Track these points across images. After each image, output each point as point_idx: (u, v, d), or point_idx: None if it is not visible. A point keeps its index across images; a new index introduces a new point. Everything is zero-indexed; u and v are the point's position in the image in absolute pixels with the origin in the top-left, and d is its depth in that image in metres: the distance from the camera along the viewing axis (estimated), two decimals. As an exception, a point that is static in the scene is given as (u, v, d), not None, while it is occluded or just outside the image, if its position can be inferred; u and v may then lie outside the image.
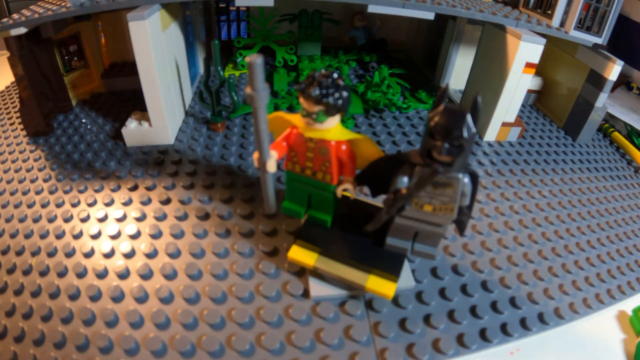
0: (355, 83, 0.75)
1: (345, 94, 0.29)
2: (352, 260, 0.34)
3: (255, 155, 0.30)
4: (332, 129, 0.31)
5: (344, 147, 0.32)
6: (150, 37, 0.46)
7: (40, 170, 0.50)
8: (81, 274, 0.36)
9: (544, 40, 0.54)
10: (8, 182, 0.48)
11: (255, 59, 0.23)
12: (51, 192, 0.46)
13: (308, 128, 0.31)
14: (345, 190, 0.34)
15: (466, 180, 0.28)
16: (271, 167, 0.30)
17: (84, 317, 0.32)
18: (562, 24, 0.59)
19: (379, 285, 0.32)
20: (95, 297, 0.34)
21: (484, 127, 0.61)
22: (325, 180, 0.34)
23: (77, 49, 0.65)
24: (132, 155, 0.52)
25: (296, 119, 0.32)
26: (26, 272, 0.37)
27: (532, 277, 0.39)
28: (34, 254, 0.38)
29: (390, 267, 0.34)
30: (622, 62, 0.58)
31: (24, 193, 0.46)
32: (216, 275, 0.36)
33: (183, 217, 0.42)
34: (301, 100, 0.30)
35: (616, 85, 0.86)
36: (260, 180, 0.32)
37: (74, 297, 0.34)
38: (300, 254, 0.35)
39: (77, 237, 0.40)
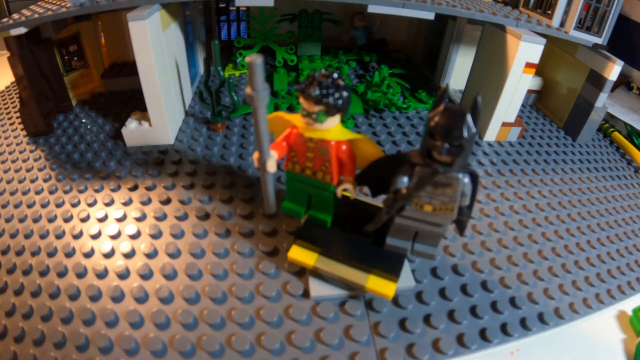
0: (355, 83, 0.75)
1: (345, 94, 0.29)
2: (352, 260, 0.34)
3: (255, 155, 0.30)
4: (332, 129, 0.31)
5: (344, 147, 0.32)
6: (150, 37, 0.46)
7: (40, 170, 0.50)
8: (81, 274, 0.36)
9: (544, 40, 0.54)
10: (8, 182, 0.48)
11: (255, 59, 0.23)
12: (51, 192, 0.46)
13: (308, 128, 0.31)
14: (345, 190, 0.34)
15: (466, 180, 0.28)
16: (271, 167, 0.30)
17: (84, 317, 0.32)
18: (562, 24, 0.59)
19: (379, 285, 0.32)
20: (95, 297, 0.34)
21: (484, 127, 0.61)
22: (325, 180, 0.34)
23: (77, 49, 0.65)
24: (132, 155, 0.52)
25: (296, 119, 0.32)
26: (26, 272, 0.37)
27: (532, 277, 0.39)
28: (34, 254, 0.38)
29: (390, 267, 0.34)
30: (622, 62, 0.58)
31: (24, 193, 0.46)
32: (216, 275, 0.36)
33: (183, 217, 0.42)
34: (301, 100, 0.30)
35: (616, 85, 0.86)
36: (260, 180, 0.32)
37: (74, 297, 0.34)
38: (300, 254, 0.35)
39: (77, 237, 0.40)
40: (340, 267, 0.34)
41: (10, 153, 0.54)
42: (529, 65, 0.55)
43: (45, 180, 0.48)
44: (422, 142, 0.28)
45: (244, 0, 0.52)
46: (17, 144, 0.55)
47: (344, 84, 0.29)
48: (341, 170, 0.33)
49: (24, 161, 0.52)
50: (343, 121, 0.32)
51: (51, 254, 0.38)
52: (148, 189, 0.46)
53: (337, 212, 0.37)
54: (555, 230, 0.45)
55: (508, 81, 0.56)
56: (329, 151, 0.32)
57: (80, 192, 0.46)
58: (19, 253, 0.39)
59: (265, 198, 0.33)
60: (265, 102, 0.26)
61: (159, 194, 0.45)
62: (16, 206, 0.44)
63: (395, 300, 0.35)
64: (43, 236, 0.40)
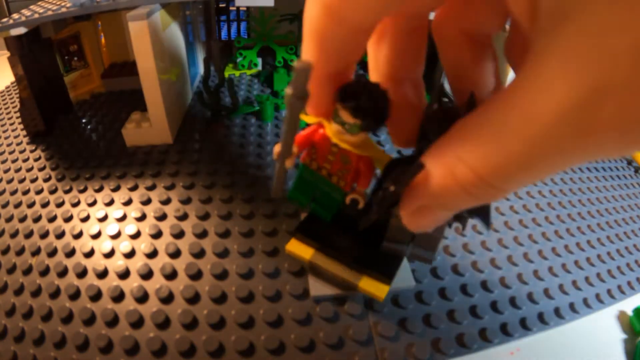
0: (355, 83, 0.74)
1: (386, 113, 0.27)
2: (348, 258, 0.34)
3: (277, 148, 0.29)
4: (359, 140, 0.30)
5: (366, 161, 0.32)
6: (150, 37, 0.46)
7: (40, 170, 0.50)
8: (81, 274, 0.36)
9: (544, 40, 0.53)
10: (8, 182, 0.48)
11: (304, 65, 0.21)
12: (51, 192, 0.46)
13: (336, 134, 0.30)
14: (353, 198, 0.34)
15: None
16: (289, 163, 0.30)
17: (84, 317, 0.32)
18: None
19: (371, 286, 0.32)
20: (95, 297, 0.34)
21: (484, 127, 0.61)
22: (339, 184, 0.34)
23: (77, 49, 0.65)
24: (132, 155, 0.52)
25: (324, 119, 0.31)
26: (26, 272, 0.37)
27: (532, 277, 0.39)
28: (34, 254, 0.38)
29: (385, 269, 0.34)
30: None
31: (24, 193, 0.46)
32: (216, 275, 0.36)
33: (183, 217, 0.42)
34: (338, 106, 0.28)
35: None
36: (275, 168, 0.32)
37: (74, 297, 0.34)
38: (297, 247, 0.35)
39: (77, 237, 0.40)
40: (335, 264, 0.34)
41: (10, 153, 0.54)
42: (529, 65, 0.55)
43: (45, 180, 0.48)
44: (417, 144, 0.27)
45: (244, 0, 0.52)
46: (17, 144, 0.55)
47: (387, 101, 0.27)
48: (356, 179, 0.33)
49: (24, 161, 0.52)
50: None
51: (51, 254, 0.38)
52: (148, 189, 0.46)
53: (342, 211, 0.37)
54: (555, 230, 0.45)
55: (508, 80, 0.56)
56: (351, 161, 0.32)
57: (80, 192, 0.46)
58: (19, 253, 0.39)
59: (276, 185, 0.33)
60: (303, 109, 0.24)
61: (159, 194, 0.45)
62: (16, 206, 0.44)
63: (395, 300, 0.35)
64: (43, 236, 0.40)
